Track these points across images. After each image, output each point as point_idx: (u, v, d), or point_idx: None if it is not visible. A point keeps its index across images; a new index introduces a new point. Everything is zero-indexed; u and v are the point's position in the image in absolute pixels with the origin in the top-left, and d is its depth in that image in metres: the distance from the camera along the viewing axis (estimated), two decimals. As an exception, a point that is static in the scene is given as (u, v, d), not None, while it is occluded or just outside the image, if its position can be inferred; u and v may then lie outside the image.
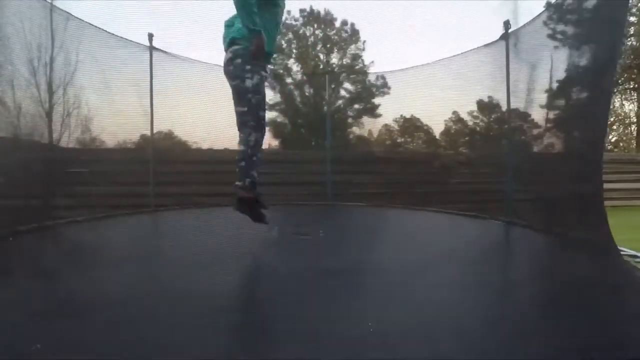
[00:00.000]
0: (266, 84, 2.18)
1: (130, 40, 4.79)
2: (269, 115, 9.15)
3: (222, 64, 2.10)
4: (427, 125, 7.89)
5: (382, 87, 8.67)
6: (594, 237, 2.41)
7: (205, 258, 2.62)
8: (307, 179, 6.19)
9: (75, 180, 4.74)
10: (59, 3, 3.78)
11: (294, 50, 12.32)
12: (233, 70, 1.99)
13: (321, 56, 12.57)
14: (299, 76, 11.22)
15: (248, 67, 1.96)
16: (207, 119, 5.78)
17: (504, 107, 4.25)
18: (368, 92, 9.15)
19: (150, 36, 4.93)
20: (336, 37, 12.48)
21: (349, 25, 12.44)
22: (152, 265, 2.48)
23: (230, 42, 2.05)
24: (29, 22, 3.51)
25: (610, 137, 15.64)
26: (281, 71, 11.66)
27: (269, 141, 8.49)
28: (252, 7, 1.87)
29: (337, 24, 12.48)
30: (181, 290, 2.04)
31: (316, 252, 2.92)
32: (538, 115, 3.80)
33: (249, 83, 1.99)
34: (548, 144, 3.68)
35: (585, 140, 2.48)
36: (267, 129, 2.05)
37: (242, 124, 2.03)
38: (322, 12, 12.37)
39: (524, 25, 3.81)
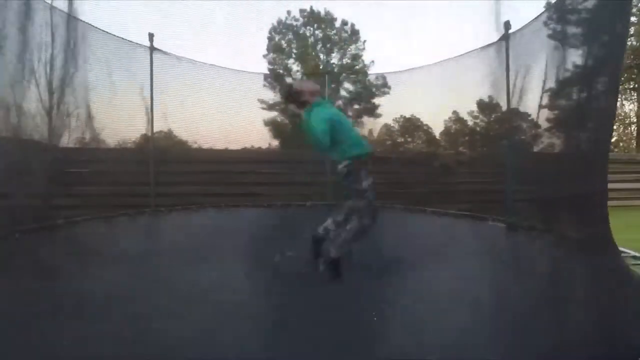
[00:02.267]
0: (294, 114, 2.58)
1: (131, 41, 4.79)
2: (270, 114, 9.16)
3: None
4: (427, 125, 7.89)
5: (382, 87, 8.66)
6: (594, 237, 2.40)
7: (205, 259, 2.62)
8: (307, 178, 6.18)
9: (75, 180, 4.74)
10: (59, 3, 3.78)
11: (294, 50, 12.31)
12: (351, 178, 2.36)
13: (321, 56, 12.56)
14: (299, 76, 11.19)
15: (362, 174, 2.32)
16: (207, 119, 5.79)
17: (504, 107, 4.25)
18: (368, 92, 9.13)
19: (151, 36, 4.92)
20: (336, 37, 12.48)
21: (349, 25, 12.45)
22: (152, 265, 2.48)
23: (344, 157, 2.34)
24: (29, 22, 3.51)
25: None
26: (281, 71, 11.64)
27: (269, 141, 8.49)
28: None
29: (337, 23, 12.50)
30: (181, 290, 2.04)
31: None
32: (538, 115, 3.79)
33: (365, 185, 2.31)
34: (549, 144, 3.67)
35: (589, 141, 2.47)
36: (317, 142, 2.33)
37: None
38: (322, 12, 12.38)
39: (525, 26, 3.81)
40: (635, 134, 16.15)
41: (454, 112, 7.74)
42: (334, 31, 12.55)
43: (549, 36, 3.31)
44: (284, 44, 12.31)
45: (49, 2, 3.73)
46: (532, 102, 3.76)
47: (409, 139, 8.40)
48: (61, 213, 4.04)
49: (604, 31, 2.37)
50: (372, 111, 8.95)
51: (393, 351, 1.39)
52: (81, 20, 4.09)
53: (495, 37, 4.20)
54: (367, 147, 2.42)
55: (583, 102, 2.67)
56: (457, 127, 8.03)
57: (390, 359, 1.35)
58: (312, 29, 12.55)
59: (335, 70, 10.30)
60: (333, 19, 12.48)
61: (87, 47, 4.21)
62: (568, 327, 1.55)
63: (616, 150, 15.06)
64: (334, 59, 12.52)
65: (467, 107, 6.93)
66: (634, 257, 2.69)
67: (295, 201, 5.82)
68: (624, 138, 16.68)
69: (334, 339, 1.48)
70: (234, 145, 6.31)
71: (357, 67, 11.85)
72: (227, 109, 5.81)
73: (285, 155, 7.27)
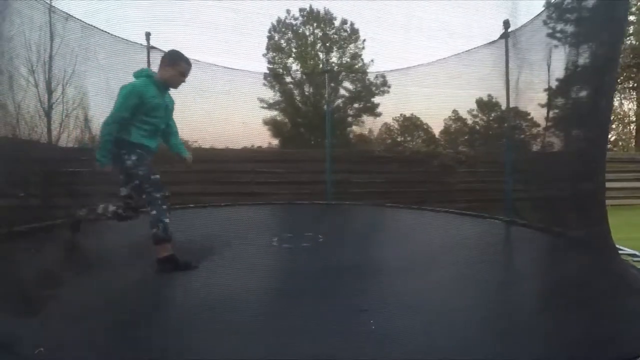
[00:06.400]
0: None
1: (128, 40, 4.77)
2: (269, 114, 9.16)
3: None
4: (426, 124, 7.91)
5: (382, 86, 8.67)
6: (593, 236, 2.40)
7: (203, 258, 2.61)
8: (307, 178, 6.17)
9: (74, 180, 4.72)
10: (58, 3, 3.76)
11: (293, 49, 12.30)
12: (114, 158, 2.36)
13: (320, 55, 12.56)
14: (298, 75, 11.19)
15: (124, 151, 2.32)
16: (207, 118, 5.77)
17: (504, 106, 4.25)
18: (368, 91, 9.14)
19: (148, 35, 4.91)
20: (335, 36, 12.48)
21: (348, 24, 12.44)
22: (151, 265, 2.46)
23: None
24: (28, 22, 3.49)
25: (609, 136, 15.66)
26: (280, 70, 11.64)
27: (269, 140, 8.50)
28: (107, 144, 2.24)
29: (337, 23, 12.50)
30: (181, 292, 2.04)
31: (315, 254, 2.91)
32: (538, 114, 3.79)
33: (129, 162, 2.32)
34: (548, 143, 3.67)
35: (587, 140, 2.47)
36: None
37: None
38: (322, 12, 12.38)
39: (525, 25, 3.79)
40: (634, 132, 16.17)
41: (454, 111, 7.76)
42: (334, 30, 12.55)
43: (549, 35, 3.31)
44: (283, 43, 12.30)
45: (48, 1, 3.71)
46: (532, 101, 3.76)
47: (409, 138, 8.41)
48: (60, 213, 4.01)
49: (602, 30, 2.37)
50: (371, 110, 8.97)
51: (393, 351, 1.39)
52: (78, 20, 4.08)
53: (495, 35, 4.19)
54: None
55: (582, 100, 2.67)
56: (456, 126, 8.05)
57: (389, 358, 1.35)
58: (311, 28, 12.54)
59: (335, 69, 10.30)
60: (332, 18, 12.47)
61: (84, 46, 4.19)
62: (567, 326, 1.54)
63: (615, 149, 15.08)
64: (334, 58, 12.52)
65: (466, 106, 6.95)
66: (633, 255, 2.70)
67: (295, 200, 5.82)
68: (623, 137, 16.70)
69: (334, 341, 1.47)
70: (234, 145, 6.30)
71: (356, 66, 11.85)
72: (227, 108, 5.80)
73: (284, 155, 7.27)
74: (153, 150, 2.44)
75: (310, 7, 12.22)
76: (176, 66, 2.36)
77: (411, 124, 8.13)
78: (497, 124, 6.26)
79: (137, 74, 2.38)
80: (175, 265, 2.07)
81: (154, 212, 2.14)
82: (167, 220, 2.13)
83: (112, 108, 2.30)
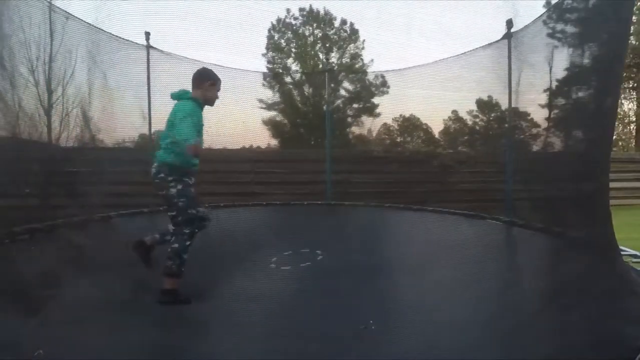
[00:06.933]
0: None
1: (128, 40, 4.76)
2: (269, 114, 9.15)
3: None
4: (426, 124, 7.90)
5: (382, 86, 8.65)
6: (596, 237, 2.40)
7: (202, 259, 2.61)
8: (306, 178, 6.17)
9: (74, 180, 4.71)
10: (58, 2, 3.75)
11: (293, 50, 12.29)
12: (159, 183, 2.18)
13: (320, 55, 12.55)
14: (298, 75, 11.17)
15: (171, 178, 2.16)
16: (206, 118, 5.75)
17: (504, 106, 4.24)
18: (367, 92, 9.12)
19: (147, 35, 4.90)
20: (335, 37, 12.47)
21: (348, 25, 12.43)
22: (150, 267, 2.46)
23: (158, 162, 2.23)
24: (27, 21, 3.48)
25: (609, 136, 15.56)
26: (280, 70, 11.63)
27: (268, 141, 8.49)
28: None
29: (337, 23, 12.48)
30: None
31: (314, 253, 2.91)
32: (540, 114, 3.78)
33: (173, 191, 2.14)
34: (550, 143, 3.65)
35: (591, 140, 2.46)
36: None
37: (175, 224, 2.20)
38: (322, 12, 12.37)
39: (528, 25, 3.77)
40: (634, 132, 16.18)
41: (454, 112, 7.75)
42: (333, 30, 12.54)
43: (551, 35, 3.30)
44: (283, 42, 12.29)
45: (48, 0, 3.70)
46: (533, 101, 3.75)
47: (408, 139, 8.40)
48: (59, 213, 4.01)
49: (605, 30, 2.36)
50: (371, 110, 8.95)
51: (394, 351, 1.39)
52: (78, 19, 4.07)
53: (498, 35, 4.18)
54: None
55: (584, 100, 2.66)
56: (456, 126, 8.04)
57: (390, 358, 1.34)
58: (311, 28, 12.54)
59: (335, 69, 10.29)
60: (332, 18, 12.47)
61: (84, 45, 4.18)
62: (568, 326, 1.54)
63: (615, 149, 15.07)
64: (333, 58, 12.51)
65: (466, 106, 6.94)
66: (634, 256, 2.69)
67: (294, 200, 5.82)
68: (623, 137, 16.71)
69: (336, 342, 1.47)
70: (233, 145, 6.29)
71: (356, 66, 11.85)
72: (226, 108, 5.79)
73: (284, 155, 7.26)
74: (197, 170, 2.38)
75: (310, 7, 12.21)
76: (216, 85, 2.35)
77: (411, 124, 8.13)
78: (497, 124, 6.26)
79: (183, 95, 2.31)
80: (177, 299, 2.01)
81: (176, 245, 2.05)
82: (185, 257, 2.06)
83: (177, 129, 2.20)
